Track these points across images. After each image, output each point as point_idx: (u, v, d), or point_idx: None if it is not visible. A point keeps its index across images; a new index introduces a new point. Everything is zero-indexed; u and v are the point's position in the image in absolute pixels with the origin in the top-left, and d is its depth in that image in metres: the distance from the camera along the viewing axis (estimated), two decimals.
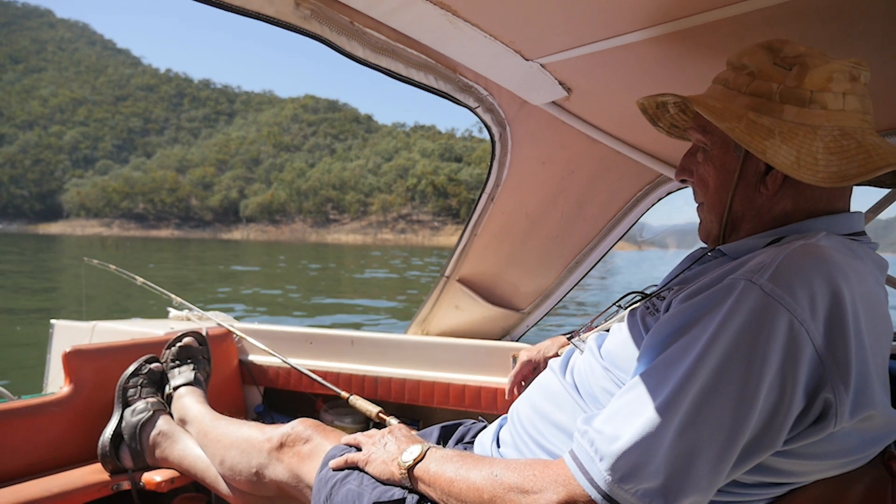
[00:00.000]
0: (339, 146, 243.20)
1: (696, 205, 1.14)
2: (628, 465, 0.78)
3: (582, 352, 1.19)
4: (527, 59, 1.37)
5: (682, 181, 1.15)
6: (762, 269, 0.83)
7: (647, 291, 1.21)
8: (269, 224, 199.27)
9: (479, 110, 1.69)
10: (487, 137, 1.83)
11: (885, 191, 1.56)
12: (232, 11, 1.15)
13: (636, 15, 1.12)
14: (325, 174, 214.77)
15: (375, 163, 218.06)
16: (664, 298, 1.03)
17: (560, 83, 1.49)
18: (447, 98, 1.61)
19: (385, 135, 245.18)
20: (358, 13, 1.26)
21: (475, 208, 2.09)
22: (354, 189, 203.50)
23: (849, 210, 1.02)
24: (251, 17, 1.17)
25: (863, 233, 1.01)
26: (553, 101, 1.62)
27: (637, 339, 1.03)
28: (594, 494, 0.79)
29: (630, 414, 0.82)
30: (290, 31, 1.24)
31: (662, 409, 0.78)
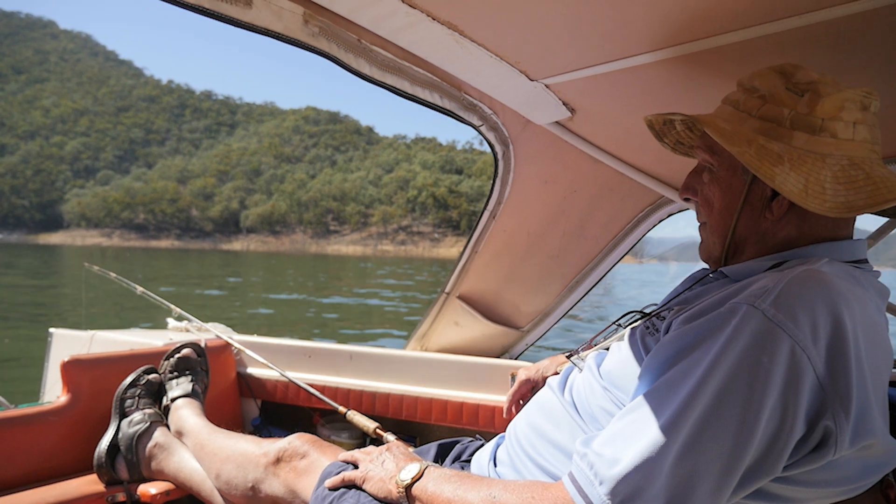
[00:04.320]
0: (340, 158, 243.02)
1: (698, 224, 1.14)
2: (628, 489, 0.77)
3: (581, 370, 1.19)
4: (531, 80, 1.38)
5: (686, 199, 1.15)
6: (765, 294, 0.83)
7: (647, 310, 1.21)
8: (270, 235, 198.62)
9: (482, 128, 1.70)
10: (488, 150, 1.83)
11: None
12: (241, 27, 1.15)
13: (644, 38, 1.12)
14: (326, 185, 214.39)
15: (376, 174, 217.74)
16: (664, 319, 1.03)
17: (564, 104, 1.50)
18: (452, 116, 1.61)
19: (386, 146, 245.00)
20: (365, 31, 1.26)
21: (477, 225, 2.10)
22: (355, 200, 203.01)
23: (852, 237, 1.01)
24: (260, 34, 1.17)
25: (865, 260, 1.00)
26: (557, 122, 1.62)
27: (637, 359, 1.03)
28: None
29: (630, 436, 0.82)
30: (299, 47, 1.24)
31: (663, 433, 0.78)
